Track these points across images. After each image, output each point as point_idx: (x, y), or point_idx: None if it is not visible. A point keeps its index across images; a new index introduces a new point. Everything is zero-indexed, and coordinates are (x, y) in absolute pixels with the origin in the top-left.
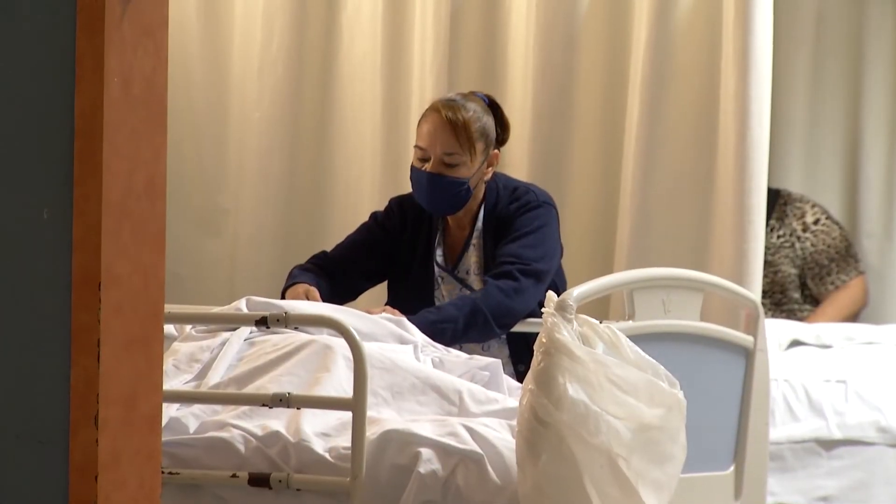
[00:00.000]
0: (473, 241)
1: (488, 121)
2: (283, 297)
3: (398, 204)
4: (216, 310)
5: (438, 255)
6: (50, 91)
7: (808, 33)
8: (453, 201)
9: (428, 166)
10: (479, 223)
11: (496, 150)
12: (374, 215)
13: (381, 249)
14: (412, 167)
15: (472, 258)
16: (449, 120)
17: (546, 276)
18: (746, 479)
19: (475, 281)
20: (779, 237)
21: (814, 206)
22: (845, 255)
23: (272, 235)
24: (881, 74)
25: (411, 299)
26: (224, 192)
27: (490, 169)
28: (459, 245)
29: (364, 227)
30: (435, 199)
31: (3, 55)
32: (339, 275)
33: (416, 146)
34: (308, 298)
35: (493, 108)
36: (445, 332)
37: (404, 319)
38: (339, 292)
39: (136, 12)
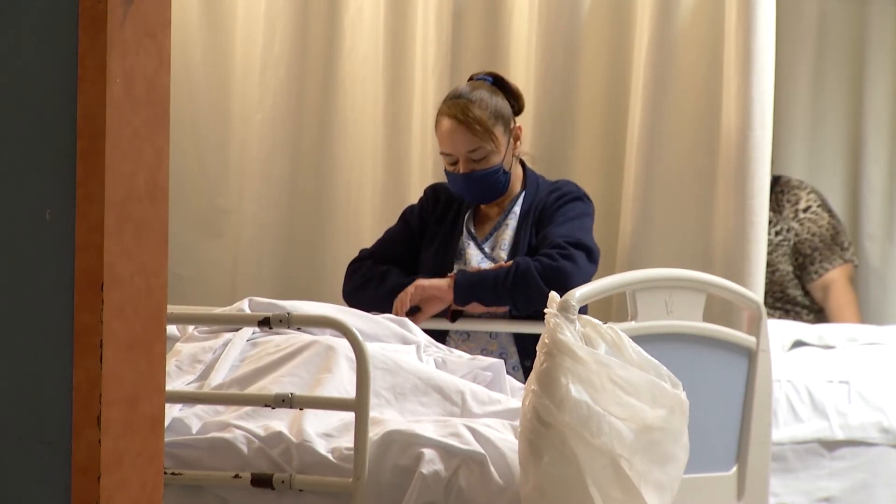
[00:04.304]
0: (507, 221)
1: (498, 101)
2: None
3: (433, 189)
4: (218, 310)
5: (470, 227)
6: (52, 92)
7: (809, 34)
8: (495, 189)
9: (459, 167)
10: (517, 208)
11: (518, 125)
12: (410, 207)
13: (417, 240)
14: (446, 172)
15: (501, 236)
16: (460, 120)
17: (595, 255)
18: (749, 479)
19: (499, 255)
20: (776, 234)
21: (810, 192)
22: (830, 244)
23: (274, 237)
24: (883, 76)
25: (431, 261)
26: (226, 193)
27: (518, 143)
28: (491, 223)
29: (403, 219)
30: (478, 193)
31: (6, 56)
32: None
33: (441, 153)
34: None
35: (499, 83)
36: (486, 284)
37: (406, 320)
38: None
39: (138, 13)
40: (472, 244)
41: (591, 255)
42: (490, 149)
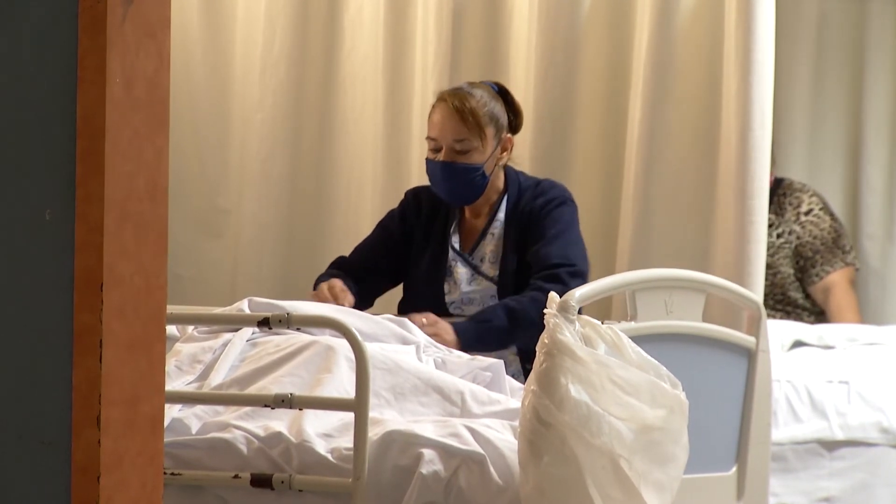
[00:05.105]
0: (492, 230)
1: (496, 106)
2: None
3: (414, 194)
4: (218, 310)
5: (455, 241)
6: (52, 92)
7: (809, 34)
8: (470, 189)
9: (441, 156)
10: (500, 214)
11: (509, 136)
12: (390, 213)
13: (400, 246)
14: (427, 160)
15: (488, 247)
16: (456, 108)
17: (588, 276)
18: (748, 479)
19: (489, 268)
20: (778, 236)
21: (812, 195)
22: (832, 247)
23: (274, 237)
24: (883, 76)
25: (423, 283)
26: (226, 193)
27: (505, 154)
28: (476, 233)
29: (381, 227)
30: (451, 188)
31: (5, 56)
32: (359, 277)
33: (427, 137)
34: (331, 293)
35: (503, 94)
36: (491, 334)
37: (406, 320)
38: (362, 295)
39: (137, 13)
40: (459, 262)
41: (585, 279)
42: (476, 145)
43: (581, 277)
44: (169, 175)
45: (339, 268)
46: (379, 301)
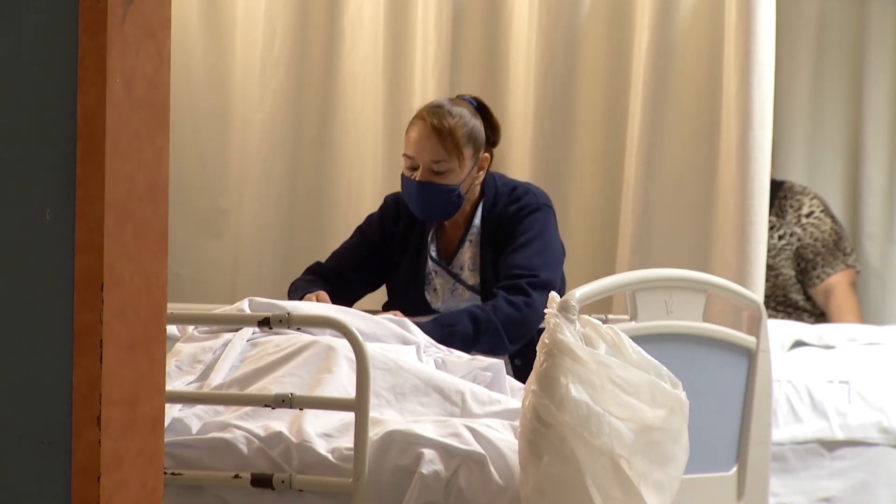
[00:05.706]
0: (469, 237)
1: (476, 124)
2: None
3: (394, 199)
4: (218, 310)
5: (433, 250)
6: (52, 92)
7: (809, 35)
8: (445, 208)
9: (417, 175)
10: (477, 220)
11: (486, 154)
12: (369, 217)
13: (378, 251)
14: (402, 176)
15: (466, 254)
16: (434, 127)
17: (553, 285)
18: (749, 480)
19: (469, 276)
20: (779, 238)
21: (813, 197)
22: (833, 249)
23: (274, 237)
24: (883, 76)
25: (403, 292)
26: (226, 193)
27: (481, 173)
28: (454, 241)
29: (359, 231)
30: (426, 207)
31: (6, 56)
32: (337, 283)
33: (404, 155)
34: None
35: (482, 110)
36: (455, 338)
37: (407, 320)
38: (339, 300)
39: (138, 13)
40: (439, 271)
41: (551, 287)
42: (453, 166)
43: (544, 287)
44: (169, 175)
45: (314, 274)
46: (367, 298)
